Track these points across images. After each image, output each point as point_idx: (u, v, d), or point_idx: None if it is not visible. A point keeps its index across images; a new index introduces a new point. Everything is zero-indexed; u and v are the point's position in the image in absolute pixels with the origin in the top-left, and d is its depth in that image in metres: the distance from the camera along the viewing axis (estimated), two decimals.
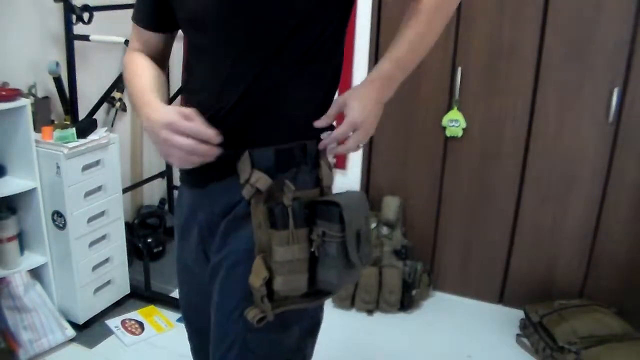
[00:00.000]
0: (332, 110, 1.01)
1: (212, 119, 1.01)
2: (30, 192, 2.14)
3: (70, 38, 2.34)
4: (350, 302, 2.54)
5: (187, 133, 0.90)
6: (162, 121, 0.92)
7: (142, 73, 1.10)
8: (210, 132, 0.91)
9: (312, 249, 0.96)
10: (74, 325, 2.29)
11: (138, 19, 1.15)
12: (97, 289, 2.38)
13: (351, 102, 0.99)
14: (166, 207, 3.20)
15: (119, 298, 2.51)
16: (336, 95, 1.08)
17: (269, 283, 0.95)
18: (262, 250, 0.97)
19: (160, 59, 1.16)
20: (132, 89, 1.08)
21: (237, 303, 1.01)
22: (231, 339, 1.03)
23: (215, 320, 1.07)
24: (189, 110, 0.93)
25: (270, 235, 0.95)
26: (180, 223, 1.18)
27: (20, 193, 2.11)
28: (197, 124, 0.91)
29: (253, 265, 0.96)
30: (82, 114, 2.41)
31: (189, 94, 1.11)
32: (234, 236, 1.03)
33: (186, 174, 1.13)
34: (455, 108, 2.48)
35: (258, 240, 0.97)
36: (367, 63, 2.56)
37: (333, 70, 1.07)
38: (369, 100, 0.99)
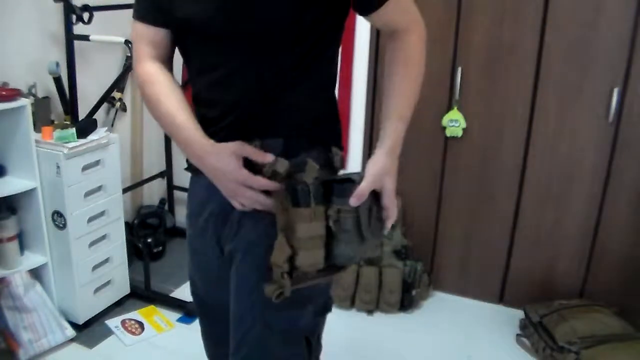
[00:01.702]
0: (371, 188, 1.03)
1: (218, 121, 1.06)
2: (30, 192, 2.14)
3: (70, 38, 2.34)
4: (350, 302, 2.55)
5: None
6: (230, 175, 1.00)
7: (168, 96, 1.07)
8: (273, 184, 1.00)
9: (330, 224, 0.98)
10: (74, 325, 2.29)
11: (145, 16, 1.09)
12: (97, 289, 2.38)
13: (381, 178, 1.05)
14: (166, 207, 3.20)
15: (119, 298, 2.51)
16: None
17: (291, 259, 0.98)
18: (283, 228, 0.99)
19: (169, 61, 1.15)
20: (159, 115, 1.07)
21: (256, 284, 1.04)
22: (251, 318, 1.08)
23: (234, 302, 1.11)
24: (244, 149, 1.00)
25: (293, 213, 0.97)
26: (192, 211, 1.21)
27: (20, 193, 2.11)
28: (262, 180, 0.99)
29: (275, 243, 0.99)
30: (82, 114, 2.41)
31: (195, 102, 1.12)
32: (248, 221, 1.07)
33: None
34: (455, 108, 2.48)
35: (278, 219, 1.00)
36: (367, 63, 2.56)
37: (334, 71, 1.12)
38: (388, 164, 1.05)
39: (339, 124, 1.15)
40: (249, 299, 1.08)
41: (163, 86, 1.08)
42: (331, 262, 1.01)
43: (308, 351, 1.13)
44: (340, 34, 1.10)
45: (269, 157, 0.99)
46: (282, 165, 1.00)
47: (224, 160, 1.00)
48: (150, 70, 1.09)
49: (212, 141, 1.02)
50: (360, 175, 1.01)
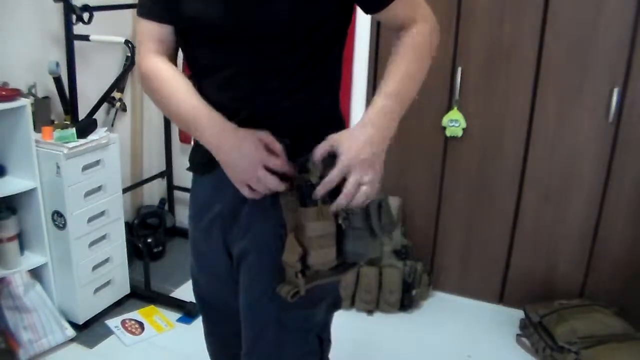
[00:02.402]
0: (323, 147, 0.98)
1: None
2: (30, 192, 2.14)
3: (70, 38, 2.34)
4: (350, 302, 2.54)
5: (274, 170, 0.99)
6: (250, 156, 0.98)
7: (177, 85, 1.06)
8: (290, 168, 1.00)
9: (340, 222, 0.99)
10: (74, 325, 2.29)
11: (151, 14, 1.08)
12: (97, 289, 2.38)
13: (342, 143, 0.97)
14: (166, 207, 3.20)
15: (119, 298, 2.51)
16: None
17: (302, 259, 0.99)
18: (292, 228, 1.00)
19: (173, 59, 1.13)
20: (169, 105, 1.06)
21: (268, 284, 1.05)
22: (265, 318, 1.08)
23: (245, 302, 1.12)
24: (268, 138, 1.00)
25: (300, 213, 0.98)
26: (196, 211, 1.21)
27: (20, 193, 2.11)
28: (284, 162, 1.00)
29: (286, 243, 1.00)
30: (82, 114, 2.41)
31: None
32: (259, 220, 1.07)
33: (202, 165, 1.15)
34: (455, 108, 2.48)
35: (288, 219, 1.00)
36: (367, 63, 2.56)
37: (338, 71, 1.13)
38: (362, 140, 0.96)
39: (344, 122, 1.16)
40: (261, 299, 1.08)
41: (171, 77, 1.07)
42: (343, 260, 1.02)
43: (321, 348, 1.14)
44: (344, 35, 1.10)
45: (289, 169, 1.00)
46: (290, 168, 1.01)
47: (247, 140, 0.99)
48: (155, 64, 1.08)
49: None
50: None
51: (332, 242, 0.99)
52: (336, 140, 0.97)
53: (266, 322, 1.09)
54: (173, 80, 1.06)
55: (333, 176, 0.95)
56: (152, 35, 1.09)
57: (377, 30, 2.51)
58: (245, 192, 1.02)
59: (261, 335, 1.10)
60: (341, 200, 0.95)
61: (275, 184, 0.99)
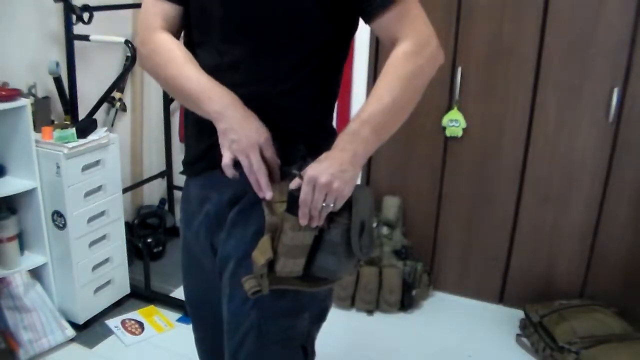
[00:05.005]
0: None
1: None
2: (30, 192, 2.14)
3: (70, 38, 2.34)
4: (350, 302, 2.55)
5: (266, 160, 0.99)
6: (258, 136, 0.97)
7: (188, 58, 1.04)
8: (277, 167, 1.00)
9: (316, 233, 0.96)
10: (74, 325, 2.29)
11: None
12: (97, 289, 2.38)
13: (312, 164, 0.96)
14: (166, 207, 3.20)
15: (119, 298, 2.51)
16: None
17: (270, 263, 0.97)
18: (270, 230, 0.98)
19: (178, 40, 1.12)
20: (180, 77, 1.03)
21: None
22: (246, 327, 1.06)
23: (228, 311, 1.10)
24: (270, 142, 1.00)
25: (285, 218, 0.96)
26: (186, 214, 1.20)
27: (20, 193, 2.11)
28: (275, 157, 1.00)
29: (259, 242, 0.97)
30: (82, 114, 2.41)
31: None
32: (242, 226, 1.05)
33: (191, 164, 1.15)
34: (455, 108, 2.48)
35: (268, 221, 0.98)
36: (367, 65, 2.56)
37: (336, 82, 1.12)
38: (330, 160, 0.94)
39: (335, 135, 1.13)
40: (242, 308, 1.06)
41: (182, 52, 1.05)
42: (310, 272, 0.99)
43: (304, 359, 1.12)
44: (347, 47, 1.10)
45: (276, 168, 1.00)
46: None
47: (257, 120, 0.99)
48: (166, 37, 1.07)
49: None
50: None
51: (304, 253, 0.97)
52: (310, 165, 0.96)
53: (247, 331, 1.06)
54: (183, 55, 1.05)
55: (304, 190, 0.93)
56: (161, 13, 1.08)
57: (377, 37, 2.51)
58: (226, 158, 0.98)
59: (242, 345, 1.07)
60: (301, 200, 0.94)
61: (259, 168, 0.97)
